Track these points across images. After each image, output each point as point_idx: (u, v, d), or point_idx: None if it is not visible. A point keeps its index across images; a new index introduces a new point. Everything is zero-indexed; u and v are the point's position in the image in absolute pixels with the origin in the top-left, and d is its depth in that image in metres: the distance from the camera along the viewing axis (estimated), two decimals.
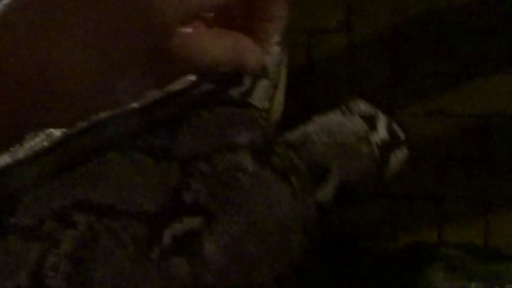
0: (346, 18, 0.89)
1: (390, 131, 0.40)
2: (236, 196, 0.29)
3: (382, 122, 0.40)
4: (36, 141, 0.27)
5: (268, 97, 0.36)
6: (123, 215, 0.27)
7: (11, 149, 0.20)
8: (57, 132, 0.27)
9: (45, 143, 0.27)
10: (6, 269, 0.26)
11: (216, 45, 0.16)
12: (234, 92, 0.33)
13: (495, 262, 0.75)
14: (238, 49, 0.16)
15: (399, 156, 0.40)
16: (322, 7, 0.90)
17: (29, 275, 0.26)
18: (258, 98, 0.34)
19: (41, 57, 0.15)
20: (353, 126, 0.38)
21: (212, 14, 0.17)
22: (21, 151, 0.26)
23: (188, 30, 0.15)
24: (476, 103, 0.86)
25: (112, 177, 0.28)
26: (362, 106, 0.41)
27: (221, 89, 0.32)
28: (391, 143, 0.39)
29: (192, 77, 0.30)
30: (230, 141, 0.31)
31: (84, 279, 0.26)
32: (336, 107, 0.41)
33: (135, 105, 0.28)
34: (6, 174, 0.27)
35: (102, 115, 0.24)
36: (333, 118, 0.39)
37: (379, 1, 0.87)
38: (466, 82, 0.86)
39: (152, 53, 0.15)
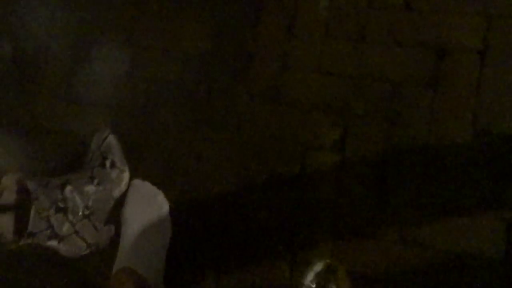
0: (342, 138, 0.95)
1: None
2: None
3: None
4: None
5: None
6: None
7: None
8: None
9: None
10: None
11: None
12: None
13: None
14: None
15: None
16: (321, 127, 0.97)
17: None
18: None
19: None
20: None
21: None
22: None
23: None
24: (452, 240, 0.89)
25: None
26: None
27: None
28: None
29: None
30: None
31: None
32: None
33: None
34: None
35: None
36: None
37: (374, 127, 0.94)
38: (445, 218, 0.91)
39: None
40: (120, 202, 1.00)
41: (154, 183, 1.03)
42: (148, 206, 0.99)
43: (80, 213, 0.88)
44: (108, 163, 0.97)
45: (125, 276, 0.87)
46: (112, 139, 1.01)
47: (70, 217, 0.86)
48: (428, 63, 0.92)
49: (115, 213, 0.99)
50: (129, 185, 1.02)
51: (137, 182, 1.02)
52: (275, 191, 0.97)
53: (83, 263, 1.03)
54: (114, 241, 0.99)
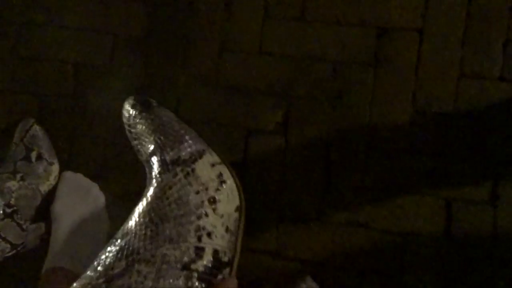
0: (285, 121, 0.93)
1: None
2: None
3: None
4: None
5: None
6: None
7: None
8: None
9: None
10: None
11: None
12: None
13: None
14: None
15: None
16: (263, 110, 0.94)
17: None
18: None
19: None
20: None
21: None
22: None
23: None
24: (395, 221, 0.90)
25: None
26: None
27: None
28: None
29: None
30: None
31: None
32: None
33: None
34: None
35: None
36: None
37: (316, 109, 0.92)
38: (387, 198, 0.91)
39: None
40: (49, 198, 0.92)
41: (88, 175, 0.96)
42: (81, 199, 0.92)
43: (1, 211, 0.80)
44: (33, 156, 0.89)
45: (56, 276, 0.80)
46: (37, 130, 0.93)
47: None
48: (368, 42, 0.91)
49: (44, 210, 0.91)
50: (59, 179, 0.94)
51: (68, 174, 0.95)
52: None
53: (11, 265, 0.94)
54: (45, 240, 0.91)
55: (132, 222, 0.44)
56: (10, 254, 0.86)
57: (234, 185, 0.47)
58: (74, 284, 0.42)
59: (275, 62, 0.94)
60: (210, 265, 0.42)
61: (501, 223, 0.87)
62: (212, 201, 0.44)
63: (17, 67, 1.01)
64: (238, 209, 0.46)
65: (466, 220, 0.88)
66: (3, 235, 0.82)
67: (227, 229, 0.44)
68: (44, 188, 0.90)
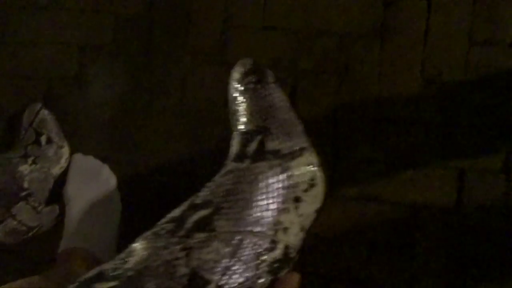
0: (291, 96, 0.92)
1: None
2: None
3: None
4: None
5: None
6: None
7: None
8: None
9: None
10: None
11: None
12: None
13: None
14: None
15: None
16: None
17: None
18: None
19: None
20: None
21: None
22: None
23: None
24: (406, 193, 0.89)
25: None
26: None
27: None
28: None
29: None
30: None
31: None
32: None
33: None
34: None
35: None
36: None
37: (323, 83, 0.91)
38: (398, 171, 0.90)
39: None
40: (61, 180, 0.94)
41: (97, 157, 0.96)
42: (93, 181, 0.93)
43: (15, 195, 0.81)
44: (43, 140, 0.90)
45: (71, 256, 0.82)
46: (45, 114, 0.93)
47: (3, 200, 0.79)
48: (374, 12, 0.89)
49: (57, 192, 0.93)
50: (70, 161, 0.95)
51: (79, 156, 0.96)
52: (225, 158, 0.94)
53: (28, 247, 0.97)
54: (60, 222, 0.93)
55: (216, 193, 0.43)
56: (26, 236, 0.88)
57: (322, 189, 0.47)
58: (147, 233, 0.43)
59: (280, 37, 0.92)
60: (279, 258, 0.42)
61: None
62: (297, 200, 0.44)
63: (20, 51, 1.01)
64: (318, 210, 0.47)
65: (478, 191, 0.87)
66: (18, 218, 0.83)
67: (302, 228, 0.45)
68: (56, 171, 0.91)
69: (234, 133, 0.48)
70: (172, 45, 0.96)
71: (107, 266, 0.42)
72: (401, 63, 0.89)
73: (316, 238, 0.91)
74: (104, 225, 0.91)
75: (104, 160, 0.96)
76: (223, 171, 0.45)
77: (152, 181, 0.96)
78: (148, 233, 0.43)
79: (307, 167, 0.46)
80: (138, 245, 0.42)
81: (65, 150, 0.94)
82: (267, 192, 0.43)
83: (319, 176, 0.47)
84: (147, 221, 0.95)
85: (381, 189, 0.90)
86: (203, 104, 0.95)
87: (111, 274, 0.40)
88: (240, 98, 0.49)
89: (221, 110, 0.94)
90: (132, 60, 0.97)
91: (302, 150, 0.47)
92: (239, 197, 0.42)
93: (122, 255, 0.42)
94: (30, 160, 0.86)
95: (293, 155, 0.46)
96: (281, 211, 0.43)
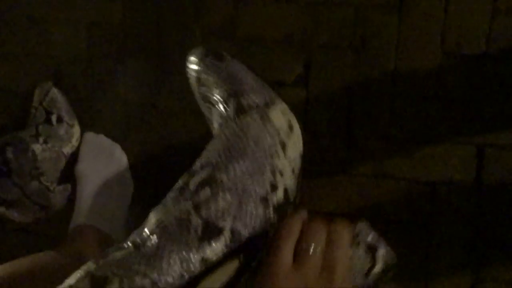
0: (306, 72, 0.89)
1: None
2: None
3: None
4: None
5: None
6: None
7: None
8: None
9: None
10: None
11: None
12: None
13: None
14: None
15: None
16: (283, 61, 0.90)
17: None
18: None
19: None
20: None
21: None
22: None
23: None
24: (424, 170, 0.87)
25: None
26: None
27: None
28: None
29: None
30: None
31: None
32: None
33: None
34: None
35: None
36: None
37: (338, 57, 0.88)
38: (415, 148, 0.88)
39: None
40: (73, 159, 0.93)
41: (109, 136, 0.95)
42: (105, 160, 0.93)
43: (28, 174, 0.81)
44: (54, 118, 0.89)
45: (81, 232, 0.82)
46: (55, 92, 0.92)
47: (16, 180, 0.78)
48: None
49: (68, 171, 0.92)
50: (81, 140, 0.94)
51: (90, 135, 0.95)
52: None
53: (41, 226, 0.97)
54: (73, 200, 0.93)
55: (211, 156, 0.48)
56: (39, 215, 0.88)
57: (299, 132, 0.51)
58: (157, 206, 0.46)
59: (293, 9, 0.89)
60: (281, 201, 0.46)
61: None
62: (283, 144, 0.48)
63: (30, 31, 0.99)
64: (301, 155, 0.51)
65: (498, 167, 0.85)
66: (31, 197, 0.83)
67: (293, 171, 0.49)
68: (67, 150, 0.91)
69: (212, 110, 0.53)
70: (182, 20, 0.94)
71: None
72: (420, 35, 0.85)
73: (331, 215, 0.90)
74: (115, 204, 0.90)
75: (115, 139, 0.95)
76: (212, 140, 0.50)
77: (163, 160, 0.95)
78: (158, 205, 0.47)
79: (282, 114, 0.51)
80: (151, 215, 0.46)
81: (76, 129, 0.93)
82: (257, 141, 0.47)
83: (294, 120, 0.52)
84: (158, 201, 0.95)
85: (398, 167, 0.88)
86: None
87: (130, 240, 0.43)
88: (205, 76, 0.53)
89: None
90: (141, 40, 0.95)
91: (272, 100, 0.52)
92: (233, 152, 0.47)
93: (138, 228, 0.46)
94: (41, 139, 0.85)
95: (267, 105, 0.51)
96: (273, 155, 0.47)
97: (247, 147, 0.47)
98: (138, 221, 0.46)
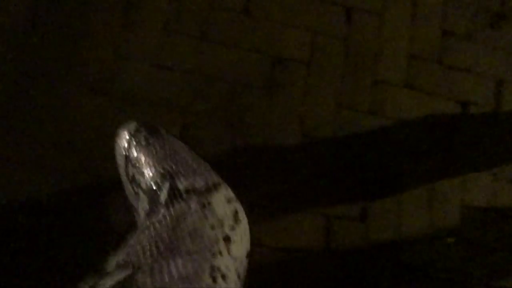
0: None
1: None
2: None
3: None
4: None
5: None
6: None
7: None
8: None
9: None
10: None
11: None
12: None
13: None
14: None
15: None
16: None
17: None
18: None
19: None
20: None
21: None
22: None
23: None
24: (283, 238, 0.94)
25: None
26: None
27: None
28: None
29: None
30: None
31: None
32: None
33: None
34: None
35: None
36: None
37: (213, 128, 0.93)
38: (278, 216, 0.95)
39: None
40: None
41: None
42: None
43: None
44: None
45: None
46: None
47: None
48: (264, 68, 0.97)
49: None
50: None
51: None
52: (99, 194, 0.85)
53: None
54: None
55: (132, 252, 0.37)
56: None
57: (247, 226, 0.44)
58: None
59: (174, 76, 0.92)
60: None
61: (372, 237, 0.98)
62: (227, 240, 0.41)
63: None
64: (248, 255, 0.43)
65: (342, 236, 0.97)
66: None
67: (238, 276, 0.41)
68: None
69: (140, 194, 0.45)
70: (56, 71, 0.86)
71: None
72: (284, 117, 0.97)
73: None
74: None
75: None
76: (136, 232, 0.40)
77: (15, 220, 0.80)
78: None
79: (227, 202, 0.44)
80: None
81: None
82: (192, 234, 0.39)
83: (241, 210, 0.45)
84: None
85: (264, 234, 0.93)
86: (80, 137, 0.86)
87: None
88: (135, 154, 0.46)
89: (98, 144, 0.87)
90: (8, 87, 0.83)
91: (216, 185, 0.45)
92: (163, 249, 0.37)
93: None
94: None
95: (209, 190, 0.43)
96: (213, 254, 0.39)
97: (182, 243, 0.38)
98: None
